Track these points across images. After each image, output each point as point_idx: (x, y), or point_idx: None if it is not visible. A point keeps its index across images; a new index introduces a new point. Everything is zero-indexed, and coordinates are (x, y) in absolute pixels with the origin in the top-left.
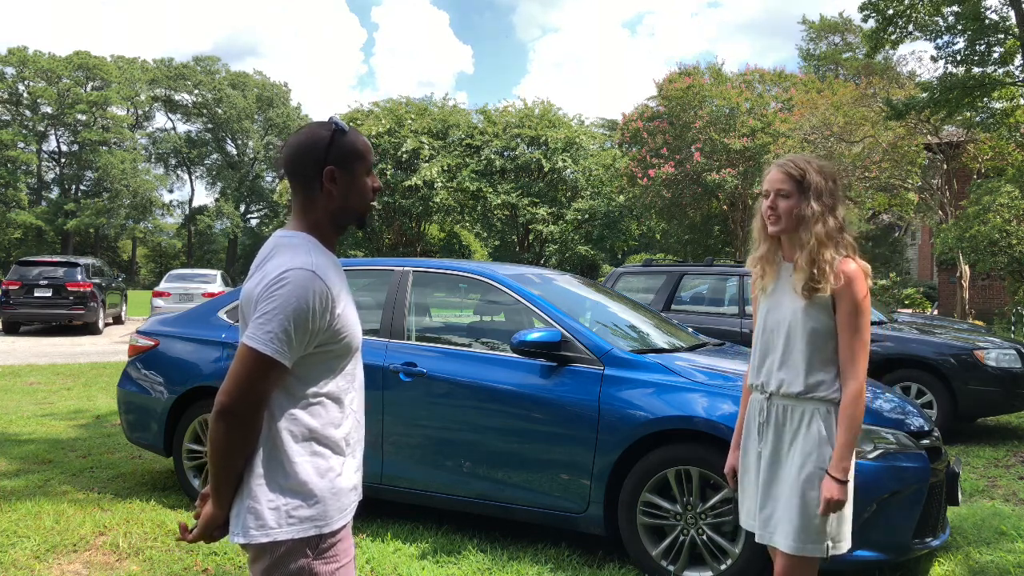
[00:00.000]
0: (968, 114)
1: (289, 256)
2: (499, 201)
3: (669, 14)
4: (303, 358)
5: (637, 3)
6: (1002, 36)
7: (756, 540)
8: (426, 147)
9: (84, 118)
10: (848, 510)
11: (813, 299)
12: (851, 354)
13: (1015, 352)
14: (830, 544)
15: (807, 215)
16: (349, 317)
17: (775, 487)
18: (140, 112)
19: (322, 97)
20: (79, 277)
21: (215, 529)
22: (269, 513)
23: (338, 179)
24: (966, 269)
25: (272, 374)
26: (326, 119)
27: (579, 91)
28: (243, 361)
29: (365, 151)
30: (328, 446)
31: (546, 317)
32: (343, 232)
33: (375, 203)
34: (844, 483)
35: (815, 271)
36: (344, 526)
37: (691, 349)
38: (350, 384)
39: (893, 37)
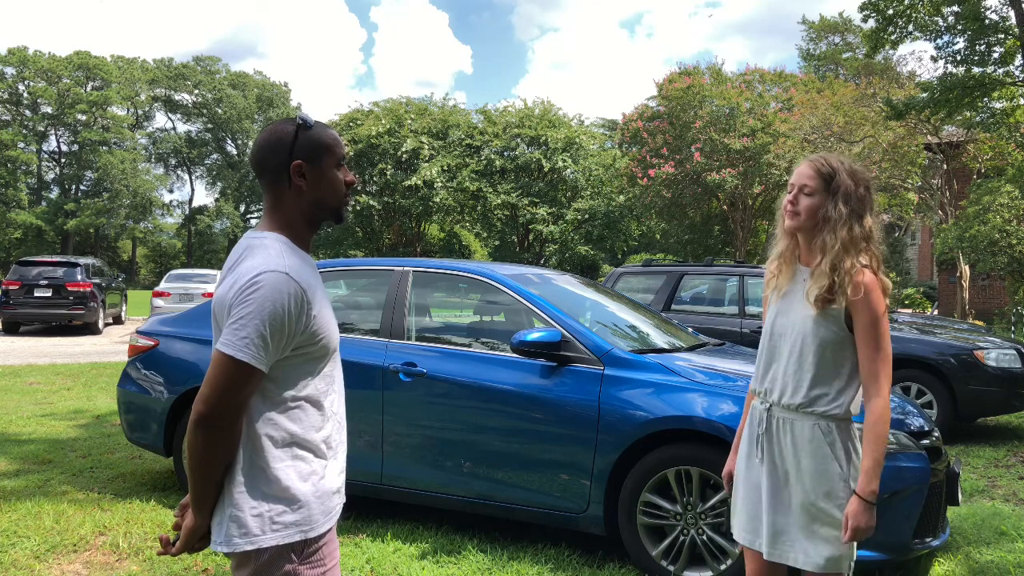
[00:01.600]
0: (968, 114)
1: (261, 258)
2: (499, 201)
3: (667, 14)
4: (280, 362)
5: (635, 3)
6: (1002, 36)
7: (765, 558)
8: (426, 147)
9: (84, 118)
10: None
11: (826, 309)
12: (873, 370)
13: (1015, 352)
14: (851, 565)
15: (832, 217)
16: (325, 318)
17: (782, 504)
18: (140, 112)
19: (322, 97)
20: (79, 277)
21: (197, 540)
22: (252, 520)
23: (307, 173)
24: (966, 269)
25: (250, 380)
26: (294, 117)
27: (579, 91)
28: (219, 368)
29: (333, 144)
30: (310, 450)
31: (546, 317)
32: (318, 229)
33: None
34: (872, 506)
35: (835, 278)
36: (329, 530)
37: (691, 349)
38: (329, 386)
39: (893, 37)
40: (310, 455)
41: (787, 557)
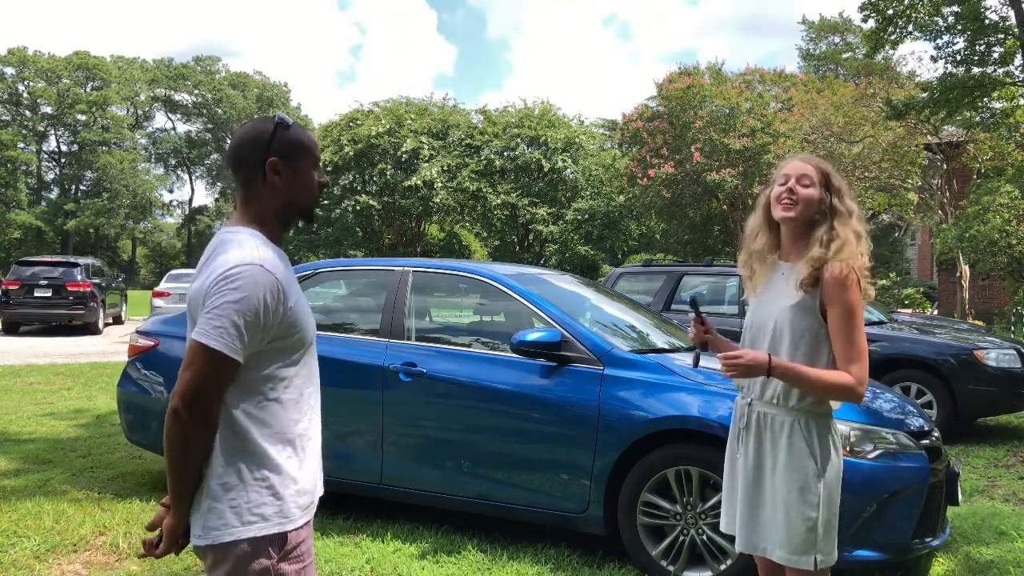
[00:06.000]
0: (968, 114)
1: (236, 252)
2: (499, 201)
3: (665, 13)
4: (257, 354)
5: (633, 2)
6: (1002, 36)
7: (736, 548)
8: (426, 147)
9: (84, 118)
10: (834, 523)
11: (801, 300)
12: (848, 359)
13: (1015, 352)
14: (819, 557)
15: (841, 211)
16: (301, 310)
17: (758, 497)
18: (140, 112)
19: (313, 97)
20: (79, 277)
21: (180, 537)
22: (231, 512)
23: (281, 171)
24: (966, 269)
25: (225, 370)
26: (273, 116)
27: (576, 92)
28: (194, 358)
29: (311, 146)
30: (286, 443)
31: (546, 317)
32: (289, 228)
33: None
34: (761, 371)
35: (812, 268)
36: (306, 523)
37: (690, 349)
38: (307, 380)
39: (893, 37)
40: (288, 448)
41: (758, 547)
